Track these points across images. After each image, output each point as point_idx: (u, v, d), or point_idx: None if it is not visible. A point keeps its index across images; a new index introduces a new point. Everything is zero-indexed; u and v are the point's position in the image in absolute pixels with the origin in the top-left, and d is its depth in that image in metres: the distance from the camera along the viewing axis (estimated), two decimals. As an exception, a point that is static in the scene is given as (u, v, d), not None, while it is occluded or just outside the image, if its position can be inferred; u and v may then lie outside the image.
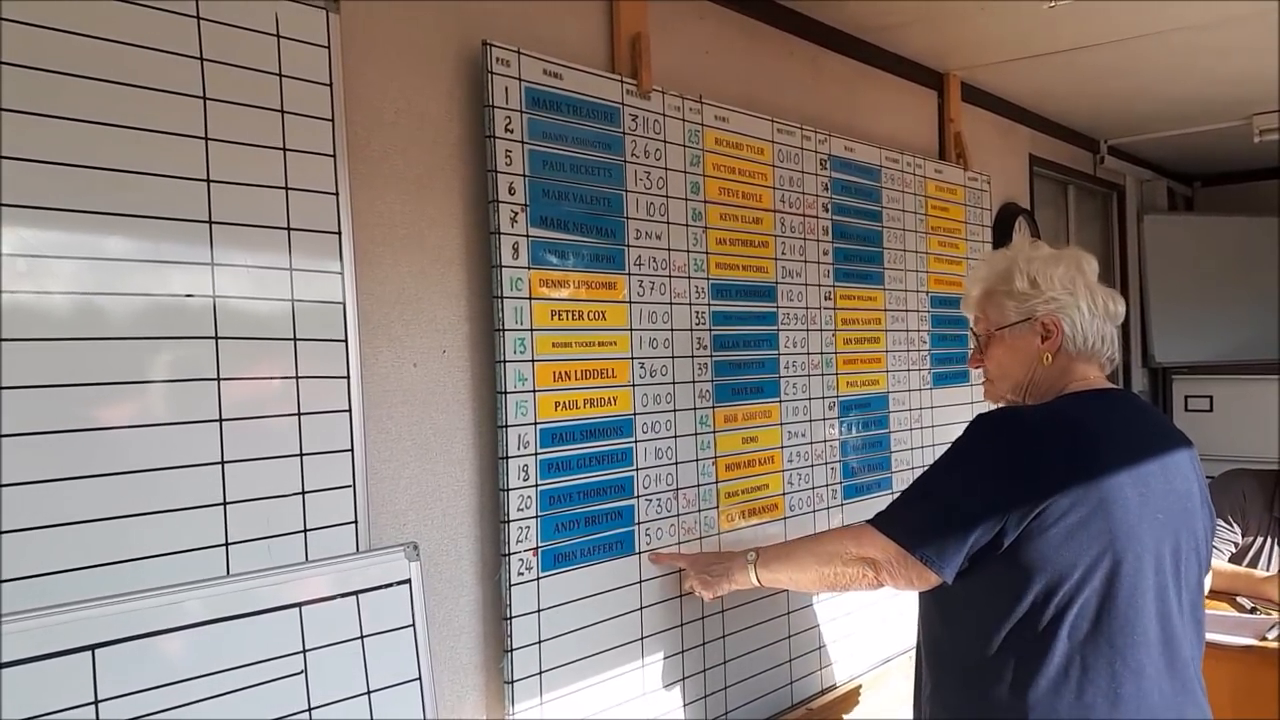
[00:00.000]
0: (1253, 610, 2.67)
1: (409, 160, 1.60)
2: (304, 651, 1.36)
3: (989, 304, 1.66)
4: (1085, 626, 1.41)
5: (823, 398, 2.39)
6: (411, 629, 1.48)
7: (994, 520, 1.42)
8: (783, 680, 2.22)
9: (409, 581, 1.49)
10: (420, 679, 1.48)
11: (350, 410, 1.47)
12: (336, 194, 1.47)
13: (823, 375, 2.39)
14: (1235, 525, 2.87)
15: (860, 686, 2.36)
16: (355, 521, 1.47)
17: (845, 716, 2.32)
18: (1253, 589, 2.72)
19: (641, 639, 1.90)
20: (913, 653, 2.36)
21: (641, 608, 1.90)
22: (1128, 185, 4.46)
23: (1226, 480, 2.96)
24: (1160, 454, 1.51)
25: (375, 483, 1.53)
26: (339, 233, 1.47)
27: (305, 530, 1.41)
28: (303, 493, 1.41)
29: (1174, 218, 4.66)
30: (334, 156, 1.46)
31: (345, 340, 1.47)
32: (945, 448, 1.55)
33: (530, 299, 1.71)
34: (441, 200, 1.64)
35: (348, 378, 1.47)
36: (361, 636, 1.42)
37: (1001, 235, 3.29)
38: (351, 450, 1.47)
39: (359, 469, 1.47)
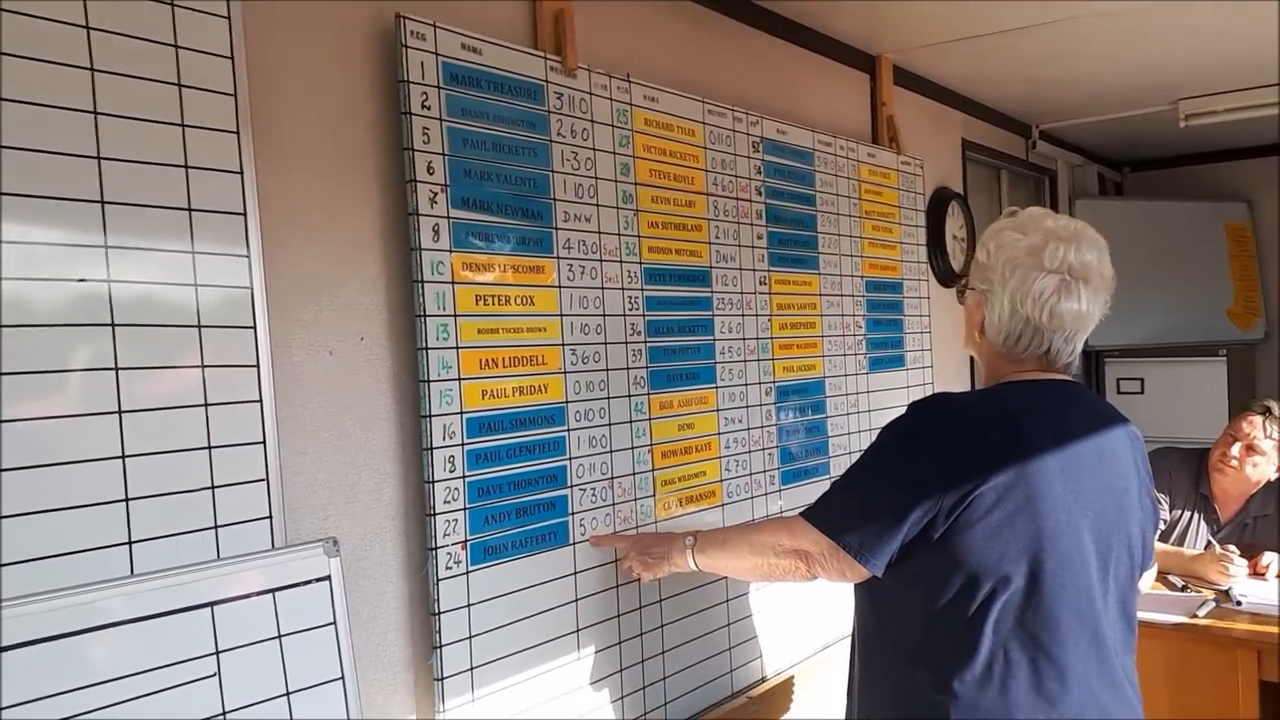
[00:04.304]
0: (1183, 588, 2.70)
1: (320, 138, 1.53)
2: (217, 653, 1.29)
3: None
4: (1010, 621, 1.40)
5: (759, 383, 2.36)
6: (332, 627, 1.42)
7: (924, 512, 1.40)
8: (722, 669, 2.19)
9: (329, 578, 1.42)
10: (343, 678, 1.42)
11: (261, 400, 1.40)
12: (241, 173, 1.39)
13: (759, 361, 2.37)
14: (1164, 501, 2.92)
15: (793, 678, 2.34)
16: (270, 517, 1.40)
17: (785, 712, 2.30)
18: (1183, 567, 2.77)
19: (577, 631, 1.85)
20: (837, 646, 2.36)
21: (576, 599, 1.86)
22: (1059, 170, 4.52)
23: (1155, 458, 3.00)
24: (1097, 448, 1.48)
25: (291, 476, 1.46)
26: (244, 214, 1.39)
27: (216, 527, 1.34)
28: (212, 487, 1.33)
29: (1105, 202, 4.73)
30: (237, 133, 1.38)
31: (254, 327, 1.40)
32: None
33: (453, 283, 1.65)
34: (356, 180, 1.58)
35: (257, 366, 1.40)
36: (279, 636, 1.35)
37: (935, 220, 3.30)
38: (264, 442, 1.40)
39: (272, 462, 1.40)
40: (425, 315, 1.60)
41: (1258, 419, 2.86)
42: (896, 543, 1.42)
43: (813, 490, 2.48)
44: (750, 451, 2.32)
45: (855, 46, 2.90)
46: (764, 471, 2.36)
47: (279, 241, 1.47)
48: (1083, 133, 4.38)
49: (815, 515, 1.53)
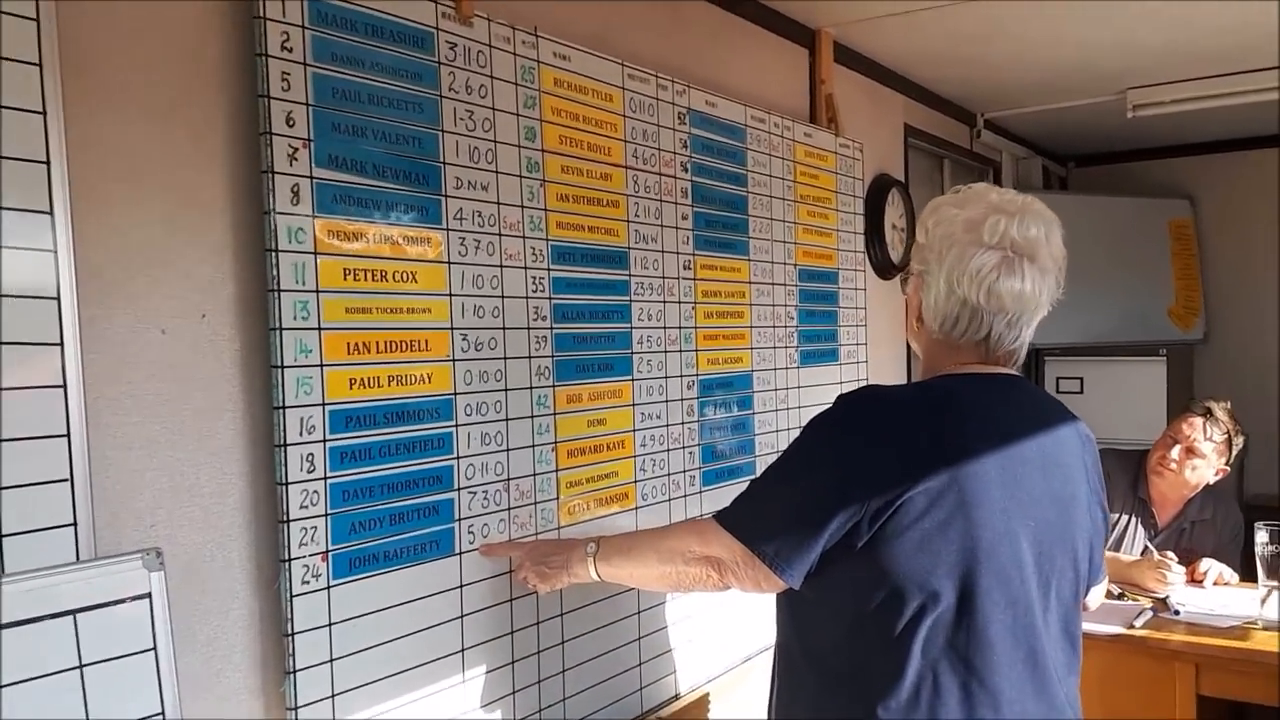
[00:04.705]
0: (1120, 596, 2.58)
1: (153, 80, 1.30)
2: (-9, 692, 1.06)
3: None
4: (940, 641, 1.25)
5: (680, 376, 2.18)
6: (152, 653, 1.20)
7: (846, 517, 1.24)
8: (630, 687, 2.00)
9: (148, 595, 1.20)
10: (163, 713, 1.20)
11: (65, 385, 1.17)
12: (44, 113, 1.16)
13: (680, 352, 2.18)
14: (1104, 506, 2.80)
15: (708, 694, 2.16)
16: (74, 524, 1.17)
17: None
18: (1119, 574, 2.64)
19: (463, 650, 1.65)
20: (760, 658, 2.19)
21: (463, 615, 1.65)
22: (1004, 162, 4.41)
23: (1095, 461, 2.89)
24: (1041, 449, 1.33)
25: (107, 476, 1.23)
26: (47, 162, 1.16)
27: (0, 536, 1.11)
28: (-5, 490, 1.11)
29: (1049, 196, 4.57)
30: (39, 65, 1.15)
31: (57, 298, 1.17)
32: (806, 430, 1.35)
33: (315, 254, 1.43)
34: (198, 131, 1.35)
35: (61, 345, 1.17)
36: (80, 666, 1.13)
37: (874, 208, 3.14)
38: (68, 435, 1.17)
39: (79, 459, 1.17)
40: (279, 290, 1.38)
41: (1198, 421, 2.75)
42: (816, 551, 1.26)
43: (736, 491, 2.30)
44: (669, 450, 2.13)
45: (793, 19, 2.71)
46: (684, 471, 2.18)
47: (98, 198, 1.24)
48: (1028, 123, 4.27)
49: (729, 519, 1.36)
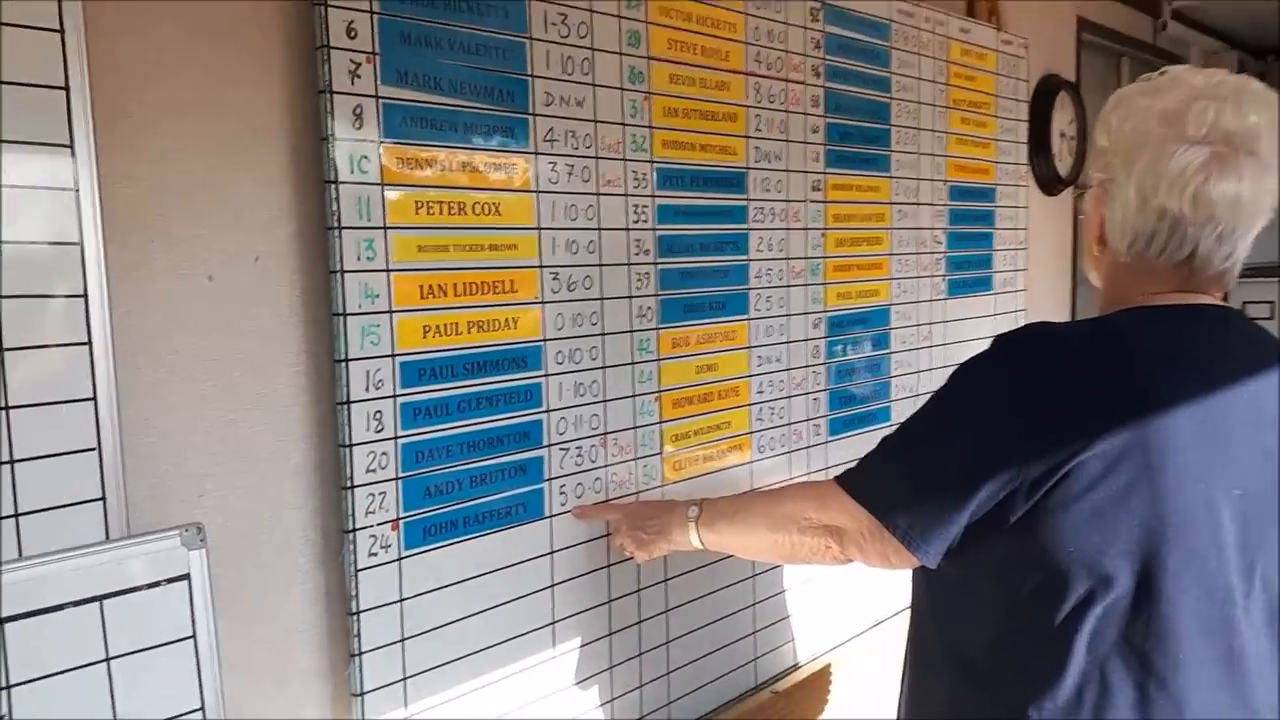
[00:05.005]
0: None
1: (190, -17, 1.12)
2: (8, 687, 0.96)
3: None
4: (1112, 635, 1.02)
5: (805, 313, 1.93)
6: (190, 642, 1.07)
7: (998, 485, 1.01)
8: (743, 658, 1.83)
9: (187, 577, 1.08)
10: (203, 709, 1.08)
11: (90, 342, 1.03)
12: (61, 30, 1.00)
13: (806, 286, 1.92)
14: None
15: (830, 665, 1.96)
16: (103, 498, 1.05)
17: (820, 710, 1.93)
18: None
19: (554, 624, 1.50)
20: (893, 622, 1.97)
21: (554, 584, 1.50)
22: (1192, 59, 3.85)
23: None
24: (1254, 400, 1.05)
25: (147, 442, 1.10)
26: (66, 88, 1.00)
27: (17, 515, 0.99)
28: (11, 461, 0.98)
29: (1243, 98, 4.04)
30: (48, -28, 0.99)
31: (80, 243, 1.02)
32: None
33: (382, 185, 1.24)
34: (249, 45, 1.17)
35: (85, 296, 1.03)
36: (107, 659, 1.02)
37: (1039, 115, 2.75)
38: (94, 399, 1.04)
39: (107, 425, 1.04)
40: (340, 227, 1.21)
41: None
42: (959, 525, 1.05)
43: (869, 442, 2.06)
44: (790, 396, 1.90)
45: (951, -109, 2.33)
46: (806, 420, 1.95)
47: (131, 127, 1.08)
48: (1223, 12, 3.69)
49: (854, 483, 1.15)
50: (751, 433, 1.82)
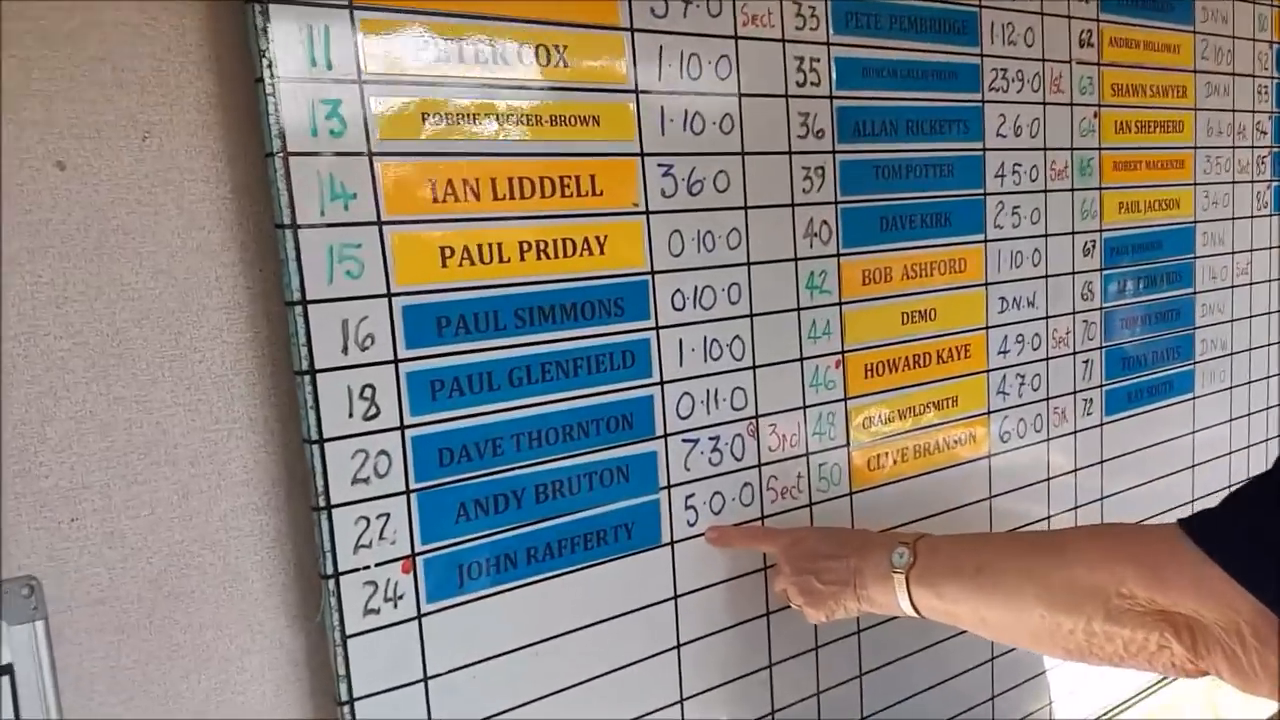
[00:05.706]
0: None
1: None
2: None
3: None
4: None
5: (1070, 233, 1.30)
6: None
7: None
8: (978, 742, 1.25)
9: (7, 670, 0.64)
10: None
11: None
12: None
13: (1071, 191, 1.30)
14: None
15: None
16: None
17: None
18: None
19: (681, 702, 0.98)
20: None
21: (679, 645, 0.98)
22: None
23: None
24: None
25: (-34, 437, 0.67)
26: None
27: None
28: None
29: None
30: None
31: None
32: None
33: (350, 7, 0.76)
34: None
35: None
36: None
37: None
38: None
39: None
40: (276, 79, 0.73)
41: None
42: None
43: (1164, 420, 1.41)
44: (1048, 358, 1.29)
45: None
46: (1073, 393, 1.32)
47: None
48: None
49: (1224, 545, 0.63)
50: (989, 413, 1.22)
